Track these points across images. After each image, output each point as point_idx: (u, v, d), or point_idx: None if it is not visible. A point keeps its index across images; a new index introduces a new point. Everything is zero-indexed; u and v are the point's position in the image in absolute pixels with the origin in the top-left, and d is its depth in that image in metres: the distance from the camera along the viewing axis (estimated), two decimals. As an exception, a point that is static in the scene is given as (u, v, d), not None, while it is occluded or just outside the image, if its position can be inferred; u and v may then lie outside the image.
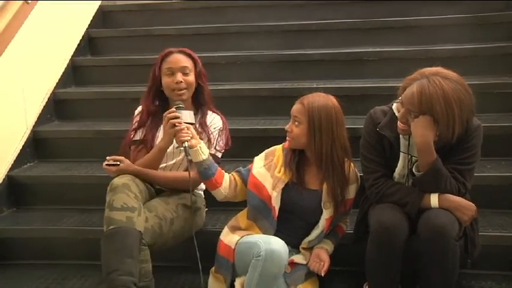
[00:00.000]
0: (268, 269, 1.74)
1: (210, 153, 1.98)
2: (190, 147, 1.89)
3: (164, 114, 1.97)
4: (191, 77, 2.12)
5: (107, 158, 2.02)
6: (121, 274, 1.75)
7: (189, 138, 1.89)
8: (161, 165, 2.13)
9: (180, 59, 2.11)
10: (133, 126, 2.19)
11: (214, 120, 2.18)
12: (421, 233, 1.76)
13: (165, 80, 2.10)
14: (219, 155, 2.16)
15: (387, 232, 1.75)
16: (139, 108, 2.23)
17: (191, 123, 1.95)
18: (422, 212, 1.79)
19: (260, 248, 1.75)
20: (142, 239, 1.86)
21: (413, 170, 1.84)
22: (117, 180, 1.93)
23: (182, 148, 1.90)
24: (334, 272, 1.97)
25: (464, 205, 1.78)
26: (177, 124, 1.92)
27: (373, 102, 2.07)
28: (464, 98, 1.71)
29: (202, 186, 2.27)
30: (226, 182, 1.97)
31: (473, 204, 1.80)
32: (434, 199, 1.78)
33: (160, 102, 2.18)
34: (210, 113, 2.20)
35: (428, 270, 1.78)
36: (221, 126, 2.17)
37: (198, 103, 2.19)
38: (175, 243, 2.08)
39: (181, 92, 2.10)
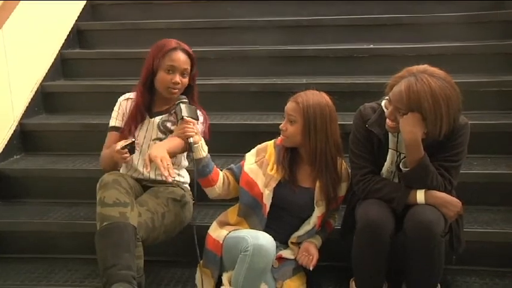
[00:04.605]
0: (255, 263, 1.75)
1: None
2: (194, 143, 1.88)
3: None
4: (186, 79, 2.09)
5: (117, 146, 1.94)
6: (120, 269, 1.75)
7: (194, 134, 1.88)
8: (143, 160, 2.09)
9: (183, 60, 2.06)
10: (126, 119, 2.12)
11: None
12: (407, 229, 1.77)
13: (163, 76, 2.05)
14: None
15: (373, 228, 1.77)
16: (126, 97, 2.17)
17: (196, 119, 1.93)
18: (409, 208, 1.81)
19: (248, 243, 1.76)
20: (136, 233, 1.85)
21: (401, 166, 1.85)
22: (107, 177, 1.92)
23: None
24: (321, 267, 1.98)
25: (450, 201, 1.80)
26: (185, 119, 1.90)
27: (363, 99, 2.08)
28: (451, 95, 1.72)
29: (187, 179, 2.28)
30: (221, 180, 1.97)
31: (459, 201, 1.82)
32: (420, 195, 1.80)
33: (149, 95, 2.13)
34: None
35: (414, 266, 1.80)
36: (202, 120, 2.15)
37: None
38: (166, 238, 2.07)
39: (176, 91, 2.07)
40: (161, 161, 1.81)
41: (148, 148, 2.11)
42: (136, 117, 2.10)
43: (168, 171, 1.80)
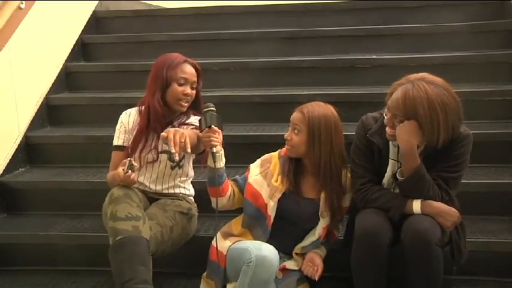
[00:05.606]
0: (258, 275, 1.75)
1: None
2: (216, 152, 1.87)
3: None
4: (195, 92, 2.12)
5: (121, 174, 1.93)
6: (137, 282, 1.75)
7: (218, 143, 1.88)
8: (149, 175, 2.13)
9: (193, 73, 2.10)
10: (136, 131, 2.10)
11: (191, 120, 2.14)
12: (405, 238, 1.77)
13: (176, 88, 2.06)
14: None
15: (370, 237, 1.77)
16: (128, 114, 2.17)
17: (222, 129, 1.92)
18: (407, 217, 1.80)
19: (251, 254, 1.76)
20: (149, 247, 1.85)
21: (397, 175, 1.85)
22: (117, 191, 1.92)
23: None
24: (324, 277, 1.97)
25: (447, 211, 1.79)
26: (213, 128, 1.88)
27: (364, 109, 2.08)
28: (449, 103, 1.72)
29: (192, 192, 2.28)
30: (229, 192, 1.97)
31: (456, 211, 1.81)
32: (416, 205, 1.80)
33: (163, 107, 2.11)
34: (192, 116, 2.17)
35: (412, 275, 1.79)
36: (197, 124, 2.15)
37: (190, 110, 2.17)
38: (172, 251, 2.08)
39: (186, 104, 2.09)
40: (174, 135, 1.80)
41: (160, 161, 2.12)
42: (157, 129, 2.07)
43: (180, 147, 1.79)
